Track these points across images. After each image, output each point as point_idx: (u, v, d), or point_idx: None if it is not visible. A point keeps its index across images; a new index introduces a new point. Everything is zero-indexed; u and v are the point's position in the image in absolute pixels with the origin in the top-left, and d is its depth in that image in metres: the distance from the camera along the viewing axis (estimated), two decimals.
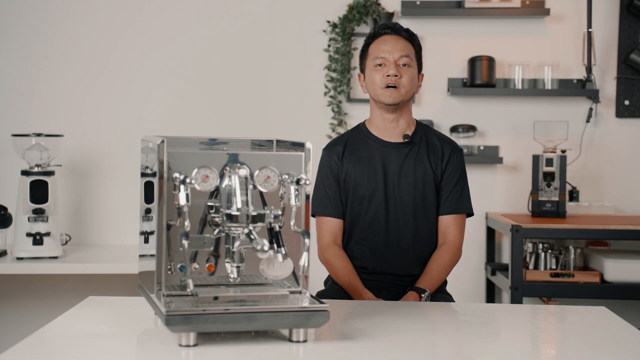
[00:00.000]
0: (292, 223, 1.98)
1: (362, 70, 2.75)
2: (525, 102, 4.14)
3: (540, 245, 3.75)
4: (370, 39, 2.73)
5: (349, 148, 2.73)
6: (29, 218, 3.55)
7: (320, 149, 2.80)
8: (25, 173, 3.59)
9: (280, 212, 1.95)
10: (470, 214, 2.76)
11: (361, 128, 2.78)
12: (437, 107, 4.13)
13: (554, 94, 4.04)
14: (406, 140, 2.70)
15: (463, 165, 2.76)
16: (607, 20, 4.11)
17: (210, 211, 1.94)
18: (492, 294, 4.11)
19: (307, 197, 2.01)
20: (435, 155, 2.72)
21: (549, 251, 3.73)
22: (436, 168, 2.71)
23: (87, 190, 4.09)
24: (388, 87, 2.64)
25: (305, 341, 1.88)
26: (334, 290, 2.68)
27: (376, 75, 2.66)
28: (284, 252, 1.92)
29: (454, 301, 2.70)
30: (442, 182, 2.71)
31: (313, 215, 2.73)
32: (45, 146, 3.65)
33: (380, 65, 2.66)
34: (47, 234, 3.56)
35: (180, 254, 1.93)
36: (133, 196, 3.36)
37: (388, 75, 2.63)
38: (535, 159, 3.84)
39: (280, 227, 1.94)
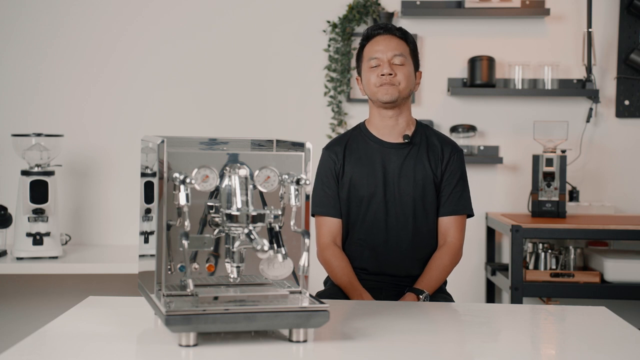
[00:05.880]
0: (292, 223, 1.98)
1: (359, 72, 2.76)
2: (525, 102, 4.14)
3: (540, 245, 3.75)
4: (364, 41, 2.73)
5: (349, 148, 2.73)
6: (29, 218, 3.55)
7: (320, 149, 2.80)
8: (25, 173, 3.59)
9: (280, 212, 1.95)
10: (470, 214, 2.75)
11: (361, 128, 2.78)
12: (437, 107, 4.13)
13: (554, 94, 4.04)
14: (406, 140, 2.70)
15: (463, 166, 2.75)
16: (607, 20, 4.11)
17: (210, 211, 1.94)
18: (492, 294, 4.11)
19: (307, 197, 2.01)
20: (435, 155, 2.71)
21: (549, 251, 3.73)
22: (436, 169, 2.70)
23: (87, 190, 4.09)
24: (383, 84, 2.64)
25: (305, 341, 1.88)
26: (333, 290, 2.68)
27: (371, 75, 2.66)
28: (284, 252, 1.92)
29: (453, 301, 2.70)
30: (442, 183, 2.71)
31: (312, 215, 2.73)
32: (45, 146, 3.65)
33: (375, 66, 2.66)
34: (47, 234, 3.56)
35: (180, 254, 1.93)
36: (133, 196, 3.36)
37: (382, 75, 2.64)
38: (535, 159, 3.84)
39: (280, 227, 1.94)
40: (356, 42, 4.08)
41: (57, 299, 4.01)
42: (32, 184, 3.56)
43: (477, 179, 4.06)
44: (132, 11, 4.09)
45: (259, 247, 1.84)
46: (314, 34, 4.10)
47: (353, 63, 4.06)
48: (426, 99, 4.12)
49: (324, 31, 4.09)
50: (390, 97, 2.64)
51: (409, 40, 2.71)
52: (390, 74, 2.63)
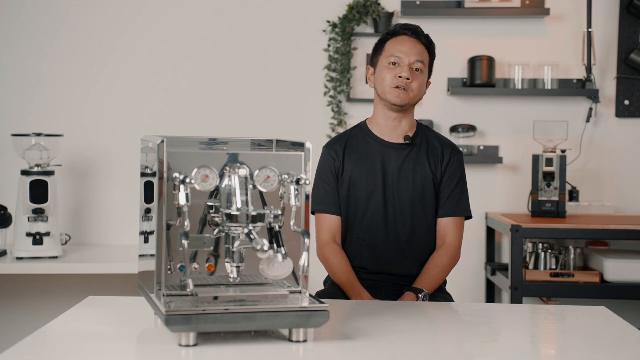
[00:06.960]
0: (292, 223, 1.98)
1: (374, 64, 2.74)
2: (525, 102, 4.14)
3: (540, 245, 3.75)
4: (389, 35, 2.71)
5: (350, 147, 2.73)
6: (29, 218, 3.55)
7: (320, 148, 2.80)
8: (25, 173, 3.59)
9: (280, 212, 1.95)
10: (469, 217, 2.76)
11: (362, 127, 2.78)
12: (437, 107, 4.13)
13: (554, 94, 4.04)
14: (407, 141, 2.70)
15: (463, 168, 2.75)
16: (607, 20, 4.11)
17: (210, 211, 1.94)
18: (492, 294, 4.11)
19: (307, 197, 2.01)
20: (435, 157, 2.71)
21: (549, 251, 3.73)
22: (436, 170, 2.70)
23: (87, 190, 4.09)
24: (397, 87, 2.63)
25: (305, 341, 1.88)
26: (333, 290, 2.68)
27: (388, 74, 2.65)
28: (284, 252, 1.92)
29: (453, 301, 2.70)
30: (441, 185, 2.71)
31: (313, 213, 2.73)
32: (45, 146, 3.65)
33: (394, 64, 2.65)
34: (47, 234, 3.56)
35: (180, 254, 1.93)
36: (133, 196, 3.36)
37: (400, 77, 2.63)
38: (535, 159, 3.84)
39: (280, 227, 1.94)
40: (356, 42, 4.08)
41: (57, 299, 4.01)
42: (32, 184, 3.56)
43: (477, 179, 4.06)
44: (132, 11, 4.09)
45: (259, 247, 1.84)
46: (314, 34, 4.10)
47: (353, 63, 4.06)
48: (426, 99, 4.10)
49: (324, 31, 4.09)
50: (401, 101, 2.64)
51: (432, 51, 2.72)
52: (408, 79, 2.63)
